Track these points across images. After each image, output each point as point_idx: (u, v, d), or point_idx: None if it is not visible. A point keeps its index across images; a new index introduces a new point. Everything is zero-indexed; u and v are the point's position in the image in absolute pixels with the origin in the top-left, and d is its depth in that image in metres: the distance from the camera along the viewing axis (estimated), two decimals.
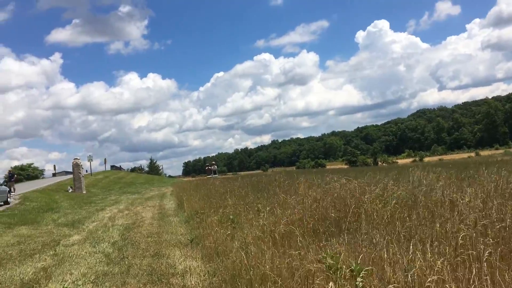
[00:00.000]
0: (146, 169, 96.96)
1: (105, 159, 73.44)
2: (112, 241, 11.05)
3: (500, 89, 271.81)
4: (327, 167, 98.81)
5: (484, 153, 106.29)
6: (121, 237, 11.50)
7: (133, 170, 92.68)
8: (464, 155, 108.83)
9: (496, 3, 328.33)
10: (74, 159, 37.79)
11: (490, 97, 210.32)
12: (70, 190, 34.58)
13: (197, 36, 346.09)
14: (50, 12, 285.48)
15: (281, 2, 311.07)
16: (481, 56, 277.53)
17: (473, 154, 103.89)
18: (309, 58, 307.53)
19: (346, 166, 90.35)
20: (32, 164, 76.23)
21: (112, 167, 77.19)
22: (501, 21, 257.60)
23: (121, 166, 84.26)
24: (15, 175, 32.41)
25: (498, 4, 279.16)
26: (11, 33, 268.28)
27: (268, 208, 8.01)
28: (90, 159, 58.56)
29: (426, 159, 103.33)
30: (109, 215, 17.03)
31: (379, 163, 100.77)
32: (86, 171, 57.45)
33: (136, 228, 12.86)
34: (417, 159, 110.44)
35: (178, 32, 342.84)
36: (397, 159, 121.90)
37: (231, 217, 8.97)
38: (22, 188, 33.10)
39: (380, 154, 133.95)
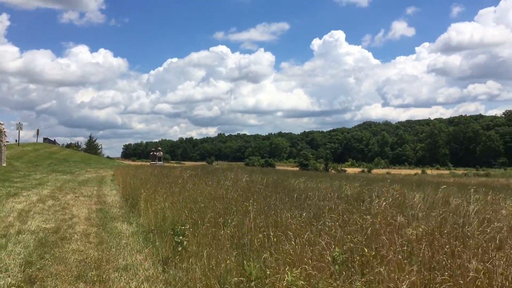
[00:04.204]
0: (84, 146, 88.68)
1: (37, 130, 65.62)
2: (3, 283, 5.49)
3: (439, 112, 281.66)
4: (277, 167, 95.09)
5: (429, 171, 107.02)
6: (25, 273, 5.87)
7: (68, 146, 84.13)
8: (408, 171, 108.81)
9: (446, 30, 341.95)
10: None
11: (431, 119, 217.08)
12: None
13: (156, 19, 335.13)
14: None
15: None
16: (426, 78, 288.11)
17: (419, 171, 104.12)
18: (265, 58, 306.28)
19: (297, 168, 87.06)
20: None
21: (45, 139, 69.52)
22: (448, 48, 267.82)
23: (56, 140, 75.87)
24: None
25: (448, 32, 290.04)
26: None
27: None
28: (19, 127, 51.32)
29: (374, 171, 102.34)
30: (21, 207, 11.48)
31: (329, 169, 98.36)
32: (16, 140, 50.22)
33: (58, 244, 7.54)
34: (365, 169, 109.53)
35: (137, 12, 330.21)
36: (342, 167, 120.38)
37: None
38: None
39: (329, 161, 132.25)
